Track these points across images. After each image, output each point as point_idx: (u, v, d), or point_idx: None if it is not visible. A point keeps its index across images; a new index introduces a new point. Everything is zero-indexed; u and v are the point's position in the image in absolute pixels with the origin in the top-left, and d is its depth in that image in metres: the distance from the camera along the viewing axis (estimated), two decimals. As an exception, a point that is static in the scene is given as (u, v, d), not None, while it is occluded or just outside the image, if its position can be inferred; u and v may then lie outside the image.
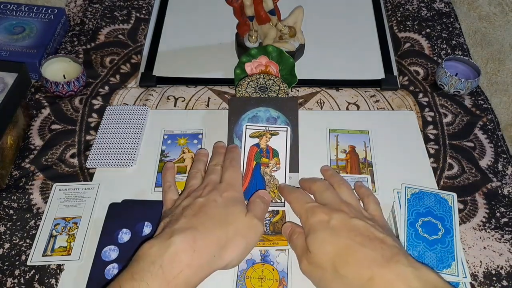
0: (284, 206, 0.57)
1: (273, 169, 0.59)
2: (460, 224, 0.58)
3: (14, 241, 0.56)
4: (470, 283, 0.54)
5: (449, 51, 0.82)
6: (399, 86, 0.76)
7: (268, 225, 0.56)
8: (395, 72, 0.78)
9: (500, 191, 0.63)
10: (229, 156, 0.59)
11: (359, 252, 0.45)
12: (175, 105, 0.71)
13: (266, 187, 0.57)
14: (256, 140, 0.61)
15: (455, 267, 0.53)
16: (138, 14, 0.87)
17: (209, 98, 0.73)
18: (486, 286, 0.54)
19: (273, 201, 0.57)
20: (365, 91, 0.75)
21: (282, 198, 0.57)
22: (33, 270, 0.53)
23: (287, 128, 0.61)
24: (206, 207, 0.49)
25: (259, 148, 0.60)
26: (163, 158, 0.64)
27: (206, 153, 0.63)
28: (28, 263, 0.53)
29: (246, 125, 0.62)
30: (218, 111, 0.70)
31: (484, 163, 0.66)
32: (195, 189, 0.55)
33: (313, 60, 0.79)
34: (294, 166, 0.61)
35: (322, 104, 0.72)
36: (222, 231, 0.47)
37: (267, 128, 0.61)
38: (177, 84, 0.75)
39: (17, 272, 0.53)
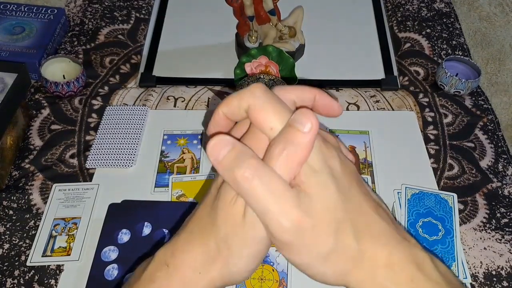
0: None
1: None
2: (460, 224, 0.58)
3: (14, 242, 0.55)
4: (471, 283, 0.53)
5: (449, 51, 0.82)
6: (399, 86, 0.75)
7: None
8: (395, 72, 0.78)
9: (500, 192, 0.62)
10: None
11: (373, 221, 0.30)
12: (175, 105, 0.71)
13: None
14: None
15: (455, 268, 0.53)
16: (138, 14, 0.87)
17: (209, 98, 0.72)
18: (487, 287, 0.53)
19: None
20: (365, 91, 0.74)
21: None
22: (33, 271, 0.53)
23: None
24: (200, 204, 0.34)
25: None
26: (163, 158, 0.64)
27: None
28: (28, 263, 0.53)
29: None
30: (218, 111, 0.70)
31: (484, 163, 0.66)
32: None
33: (313, 60, 0.79)
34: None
35: (322, 104, 0.72)
36: (206, 238, 0.31)
37: None
38: (177, 84, 0.75)
39: (16, 272, 0.53)
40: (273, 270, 0.53)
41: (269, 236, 0.28)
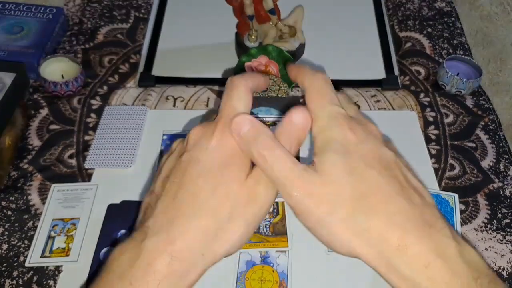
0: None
1: None
2: (461, 225, 0.58)
3: (12, 242, 0.55)
4: (472, 285, 0.53)
5: (450, 50, 0.81)
6: (400, 86, 0.75)
7: (268, 226, 0.56)
8: (396, 72, 0.78)
9: (502, 192, 0.62)
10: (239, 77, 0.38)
11: (391, 201, 0.30)
12: (174, 105, 0.71)
13: None
14: None
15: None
16: (137, 14, 0.86)
17: (208, 98, 0.72)
18: (488, 288, 0.53)
19: None
20: (366, 91, 0.74)
21: None
22: (31, 272, 0.53)
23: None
24: (187, 176, 0.33)
25: None
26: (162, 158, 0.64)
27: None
28: (26, 264, 0.53)
29: None
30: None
31: (485, 163, 0.65)
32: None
33: (314, 60, 0.78)
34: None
35: (322, 104, 0.71)
36: (209, 218, 0.32)
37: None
38: (176, 84, 0.74)
39: (15, 273, 0.53)
40: (273, 271, 0.52)
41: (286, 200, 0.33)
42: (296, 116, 0.34)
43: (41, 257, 0.53)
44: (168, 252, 0.32)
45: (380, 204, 0.30)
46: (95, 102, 0.71)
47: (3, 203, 0.59)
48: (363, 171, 0.31)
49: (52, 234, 0.55)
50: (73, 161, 0.63)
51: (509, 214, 0.60)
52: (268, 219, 0.56)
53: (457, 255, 0.29)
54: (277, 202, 0.58)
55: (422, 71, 0.78)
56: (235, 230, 0.33)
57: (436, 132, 0.69)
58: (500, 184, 0.63)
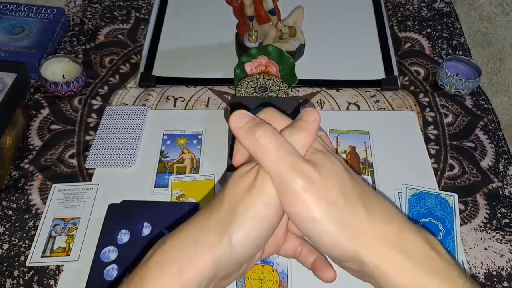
0: None
1: None
2: (461, 225, 0.58)
3: (13, 242, 0.55)
4: (471, 284, 0.53)
5: (449, 51, 0.81)
6: (400, 86, 0.75)
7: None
8: (396, 72, 0.78)
9: (501, 192, 0.62)
10: None
11: (380, 202, 0.32)
12: (174, 105, 0.71)
13: None
14: None
15: (456, 268, 0.53)
16: (137, 14, 0.87)
17: (208, 98, 0.72)
18: (487, 287, 0.53)
19: None
20: (366, 91, 0.74)
21: None
22: (32, 271, 0.53)
23: None
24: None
25: None
26: (162, 158, 0.64)
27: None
28: (27, 264, 0.53)
29: None
30: (218, 111, 0.70)
31: (485, 163, 0.66)
32: None
33: (313, 60, 0.79)
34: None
35: (322, 104, 0.72)
36: (207, 218, 0.33)
37: None
38: (176, 84, 0.75)
39: (16, 273, 0.53)
40: (273, 270, 0.53)
41: (281, 194, 0.29)
42: (309, 116, 0.32)
43: (41, 256, 0.53)
44: (164, 242, 0.32)
45: (374, 205, 0.32)
46: (96, 102, 0.71)
47: (4, 203, 0.59)
48: (354, 174, 0.32)
49: (53, 233, 0.55)
50: (74, 161, 0.64)
51: (508, 213, 0.60)
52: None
53: (444, 249, 0.31)
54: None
55: (422, 71, 0.78)
56: (235, 231, 0.31)
57: (435, 132, 0.69)
58: (500, 184, 0.63)
